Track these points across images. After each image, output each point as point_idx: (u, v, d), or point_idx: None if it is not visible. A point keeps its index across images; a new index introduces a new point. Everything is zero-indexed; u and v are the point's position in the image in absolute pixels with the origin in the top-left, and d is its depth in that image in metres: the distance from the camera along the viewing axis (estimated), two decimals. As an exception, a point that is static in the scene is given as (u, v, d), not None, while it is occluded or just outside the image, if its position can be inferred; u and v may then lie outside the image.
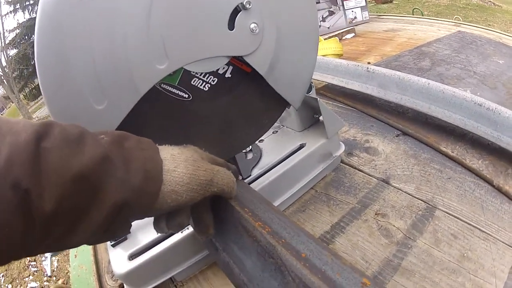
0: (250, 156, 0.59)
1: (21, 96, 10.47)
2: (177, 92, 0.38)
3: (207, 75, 0.40)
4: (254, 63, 0.40)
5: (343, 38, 1.66)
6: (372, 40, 1.61)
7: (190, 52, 0.34)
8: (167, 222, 0.33)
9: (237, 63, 0.41)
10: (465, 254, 0.47)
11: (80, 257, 0.68)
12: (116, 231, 0.30)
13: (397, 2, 9.07)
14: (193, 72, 0.39)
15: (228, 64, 0.41)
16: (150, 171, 0.29)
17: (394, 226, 0.53)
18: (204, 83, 0.40)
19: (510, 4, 9.95)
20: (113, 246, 0.48)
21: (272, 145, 0.58)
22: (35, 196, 0.22)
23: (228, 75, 0.41)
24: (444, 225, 0.52)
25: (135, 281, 0.47)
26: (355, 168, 0.67)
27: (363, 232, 0.53)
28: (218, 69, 0.41)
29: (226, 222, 0.39)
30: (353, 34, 1.69)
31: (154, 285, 0.48)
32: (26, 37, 11.05)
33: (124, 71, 0.31)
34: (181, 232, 0.47)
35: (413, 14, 2.40)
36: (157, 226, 0.35)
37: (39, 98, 11.34)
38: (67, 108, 0.31)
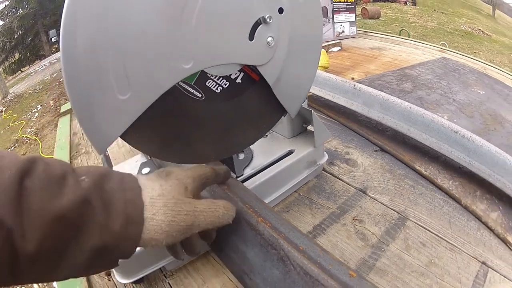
0: (242, 156, 0.66)
1: (0, 69, 10.44)
2: (191, 91, 0.45)
3: (221, 78, 0.47)
4: (265, 73, 0.48)
5: (329, 50, 1.81)
6: (357, 56, 1.76)
7: (214, 56, 0.41)
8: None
9: (248, 70, 0.49)
10: (432, 261, 0.57)
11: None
12: (101, 269, 0.34)
13: (384, 19, 9.64)
14: (209, 74, 0.46)
15: (240, 70, 0.48)
16: (131, 216, 0.32)
17: (369, 231, 0.62)
18: (217, 85, 0.47)
19: (500, 34, 10.85)
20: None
21: (263, 148, 0.67)
22: (18, 235, 0.25)
23: (238, 80, 0.48)
24: (414, 234, 0.62)
25: (125, 270, 0.52)
26: (336, 176, 0.78)
27: (342, 234, 0.62)
28: (231, 74, 0.48)
29: None
30: (339, 48, 1.84)
31: (144, 274, 0.53)
32: (14, 10, 11.17)
33: (152, 66, 0.36)
34: None
35: (399, 35, 2.63)
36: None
37: (17, 74, 11.26)
38: (89, 95, 0.35)
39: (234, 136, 0.52)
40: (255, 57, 0.45)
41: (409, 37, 2.32)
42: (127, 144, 1.01)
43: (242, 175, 0.62)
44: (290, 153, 0.68)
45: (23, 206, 0.26)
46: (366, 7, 9.68)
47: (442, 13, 11.90)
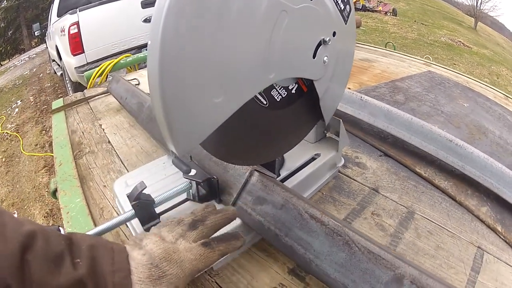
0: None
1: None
2: (260, 98, 0.57)
3: (282, 88, 0.60)
4: (318, 87, 0.62)
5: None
6: (350, 67, 1.96)
7: (289, 69, 0.53)
8: None
9: (301, 82, 0.62)
10: (439, 245, 0.74)
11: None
12: None
13: (364, 28, 10.08)
14: (275, 84, 0.58)
15: (296, 82, 0.62)
16: None
17: (386, 223, 0.79)
18: (278, 94, 0.59)
19: (481, 47, 11.50)
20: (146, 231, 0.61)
21: (292, 152, 0.77)
22: None
23: (293, 91, 0.62)
24: (422, 224, 0.79)
25: None
26: (351, 178, 0.94)
27: (365, 226, 0.78)
28: (289, 85, 0.61)
29: (287, 212, 0.61)
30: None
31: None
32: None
33: (245, 74, 0.45)
34: None
35: (385, 47, 2.87)
36: None
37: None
38: (187, 96, 0.40)
39: (282, 141, 0.67)
40: (314, 73, 0.60)
41: (394, 50, 2.55)
42: (137, 144, 1.14)
43: (279, 175, 0.77)
44: (316, 156, 0.83)
45: (25, 275, 0.32)
46: (346, 16, 10.07)
47: (423, 24, 12.54)
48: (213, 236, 0.54)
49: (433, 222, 0.81)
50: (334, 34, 0.61)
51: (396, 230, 0.77)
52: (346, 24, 0.64)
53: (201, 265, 0.48)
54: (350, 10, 0.64)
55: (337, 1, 0.60)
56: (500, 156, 1.11)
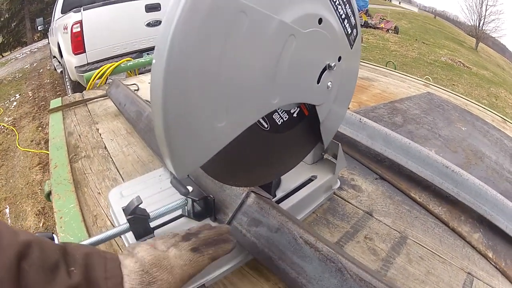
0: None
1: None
2: (261, 122, 0.57)
3: (284, 112, 0.60)
4: (320, 112, 0.63)
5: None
6: (350, 86, 1.98)
7: (294, 95, 0.54)
8: None
9: (302, 106, 0.63)
10: (429, 271, 0.74)
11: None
12: None
13: (365, 45, 10.17)
14: (278, 108, 0.57)
15: (298, 106, 0.62)
16: None
17: (379, 247, 0.79)
18: (280, 118, 0.60)
19: (481, 68, 11.62)
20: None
21: (289, 173, 0.77)
22: None
23: (295, 115, 0.62)
24: (414, 250, 0.80)
25: None
26: (345, 200, 0.95)
27: (357, 250, 0.78)
28: (291, 109, 0.61)
29: (282, 236, 0.62)
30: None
31: (186, 291, 0.61)
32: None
33: (249, 98, 0.46)
34: None
35: (386, 66, 2.90)
36: None
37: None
38: (190, 120, 0.40)
39: (281, 163, 0.68)
40: (317, 98, 0.60)
41: (395, 69, 2.58)
42: (133, 153, 1.14)
43: (275, 196, 0.77)
44: (312, 178, 0.84)
45: (21, 284, 0.33)
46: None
47: (424, 43, 12.68)
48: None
49: (425, 247, 0.81)
50: (339, 59, 0.61)
51: (388, 254, 0.78)
52: (351, 48, 0.64)
53: (191, 270, 0.49)
54: (357, 34, 0.65)
55: (345, 26, 0.60)
56: (495, 182, 1.13)
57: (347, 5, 0.58)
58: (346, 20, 0.59)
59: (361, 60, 2.55)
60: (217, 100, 0.43)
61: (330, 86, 0.61)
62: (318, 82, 0.58)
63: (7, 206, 2.98)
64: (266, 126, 0.58)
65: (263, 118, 0.57)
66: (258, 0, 0.41)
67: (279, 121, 0.60)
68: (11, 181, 3.42)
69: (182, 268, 0.47)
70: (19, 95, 6.11)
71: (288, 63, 0.49)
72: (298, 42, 0.49)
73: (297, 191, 0.80)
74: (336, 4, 0.55)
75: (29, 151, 3.87)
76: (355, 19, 0.62)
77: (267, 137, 0.60)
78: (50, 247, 0.38)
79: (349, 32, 0.62)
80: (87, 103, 1.65)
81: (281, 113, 0.60)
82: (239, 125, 0.47)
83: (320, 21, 0.52)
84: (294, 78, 0.52)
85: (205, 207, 0.69)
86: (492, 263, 0.81)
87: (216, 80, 0.41)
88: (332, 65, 0.58)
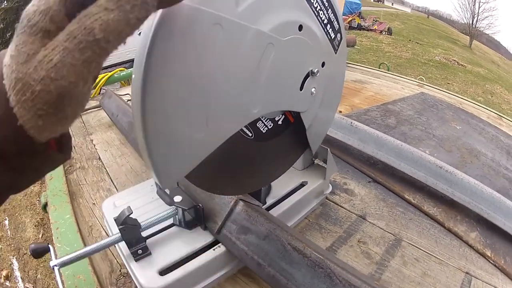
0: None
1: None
2: (245, 130, 0.57)
3: (268, 120, 0.60)
4: (304, 119, 0.62)
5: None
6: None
7: (276, 103, 0.54)
8: None
9: (287, 113, 0.63)
10: (426, 272, 0.74)
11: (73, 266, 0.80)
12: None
13: (359, 47, 10.22)
14: (261, 116, 0.57)
15: (282, 113, 0.62)
16: None
17: (372, 250, 0.79)
18: (264, 126, 0.60)
19: (476, 65, 11.67)
20: (136, 260, 0.62)
21: (279, 179, 0.77)
22: None
23: (280, 122, 0.62)
24: (409, 252, 0.79)
25: None
26: (338, 204, 0.94)
27: (350, 254, 0.78)
28: (275, 117, 0.61)
29: (270, 243, 0.61)
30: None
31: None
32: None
33: (228, 110, 0.45)
34: (213, 250, 0.65)
35: (379, 68, 2.91)
36: None
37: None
38: (168, 132, 0.40)
39: (268, 171, 0.68)
40: (301, 105, 0.60)
41: (388, 70, 2.58)
42: (127, 163, 1.14)
43: (266, 203, 0.77)
44: (303, 184, 0.84)
45: None
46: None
47: (417, 43, 12.75)
48: None
49: (420, 249, 0.81)
50: (323, 64, 0.61)
51: (382, 257, 0.78)
52: (336, 53, 0.64)
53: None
54: (341, 39, 0.64)
55: (327, 31, 0.59)
56: (491, 179, 1.13)
57: (329, 10, 0.58)
58: (328, 25, 0.59)
59: (354, 63, 2.55)
60: (195, 112, 0.43)
61: (314, 92, 0.61)
62: (301, 89, 0.58)
63: (6, 217, 2.97)
64: (250, 134, 0.58)
65: (246, 127, 0.57)
66: (233, 11, 0.41)
67: (263, 129, 0.60)
68: (9, 193, 3.41)
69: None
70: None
71: (267, 72, 0.49)
72: (277, 50, 0.49)
73: (288, 197, 0.80)
74: (318, 9, 0.55)
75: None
76: (338, 24, 0.61)
77: (252, 145, 0.59)
78: None
79: (332, 37, 0.61)
80: (81, 114, 1.64)
81: (265, 121, 0.60)
82: (219, 136, 0.47)
83: (300, 28, 0.52)
84: (275, 86, 0.52)
85: (196, 216, 0.68)
86: (491, 261, 0.81)
87: (193, 92, 0.41)
88: (315, 71, 0.58)
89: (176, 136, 0.42)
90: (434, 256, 0.79)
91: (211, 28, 0.40)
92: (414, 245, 0.82)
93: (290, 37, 0.51)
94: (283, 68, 0.52)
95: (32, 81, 0.25)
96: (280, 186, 0.82)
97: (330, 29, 0.60)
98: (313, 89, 0.60)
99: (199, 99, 0.42)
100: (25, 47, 0.25)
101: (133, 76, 0.38)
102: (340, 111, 1.61)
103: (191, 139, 0.43)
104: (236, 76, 0.45)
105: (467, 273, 0.76)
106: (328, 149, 0.80)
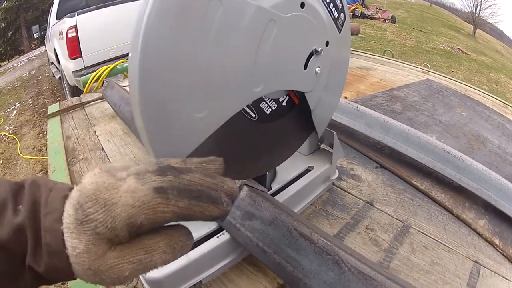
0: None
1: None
2: (248, 111, 0.55)
3: (272, 100, 0.58)
4: (310, 99, 0.60)
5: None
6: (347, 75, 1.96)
7: (278, 81, 0.52)
8: None
9: (292, 94, 0.60)
10: (434, 261, 0.72)
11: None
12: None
13: (363, 35, 10.14)
14: (264, 96, 0.56)
15: (286, 94, 0.60)
16: (50, 245, 0.30)
17: (381, 238, 0.77)
18: (268, 107, 0.58)
19: (480, 54, 11.55)
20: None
21: (284, 164, 0.75)
22: None
23: (284, 103, 0.60)
24: (417, 239, 0.77)
25: (167, 286, 0.58)
26: (345, 190, 0.92)
27: (358, 241, 0.76)
28: (279, 97, 0.59)
29: (276, 229, 0.59)
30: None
31: (183, 289, 0.60)
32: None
33: (231, 89, 0.45)
34: (217, 237, 0.63)
35: (384, 55, 2.87)
36: None
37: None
38: (168, 112, 0.39)
39: (273, 154, 0.65)
40: (306, 85, 0.58)
41: (393, 57, 2.54)
42: (130, 153, 1.12)
43: (271, 189, 0.75)
44: (309, 169, 0.81)
45: None
46: (345, 23, 10.17)
47: (421, 31, 12.61)
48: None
49: (429, 236, 0.79)
50: (327, 43, 0.59)
51: (391, 245, 0.75)
52: (340, 33, 0.62)
53: (140, 217, 0.30)
54: (344, 19, 0.62)
55: (330, 10, 0.58)
56: (498, 166, 1.10)
57: (332, -12, 0.56)
58: (331, 3, 0.57)
59: (359, 50, 2.52)
60: (195, 90, 0.41)
61: (319, 71, 0.59)
62: (305, 68, 0.56)
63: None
64: (253, 115, 0.56)
65: (249, 108, 0.55)
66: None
67: (267, 110, 0.58)
68: (13, 189, 3.42)
69: (126, 209, 0.30)
70: (18, 103, 6.12)
71: (269, 49, 0.47)
72: (279, 28, 0.47)
73: (293, 183, 0.77)
74: (320, -13, 0.53)
75: (31, 158, 3.86)
76: (341, 3, 0.60)
77: (256, 127, 0.58)
78: (1, 185, 0.33)
79: (335, 16, 0.60)
80: (84, 106, 1.64)
81: (269, 101, 0.58)
82: (220, 116, 0.46)
83: (302, 5, 0.51)
84: (278, 65, 0.50)
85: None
86: (499, 250, 0.78)
87: (192, 70, 0.40)
88: (319, 50, 0.56)
89: (175, 114, 0.40)
90: (443, 244, 0.77)
91: (209, 3, 0.38)
92: (422, 232, 0.80)
93: (292, 14, 0.50)
94: (286, 45, 0.50)
95: (103, 276, 0.30)
96: (285, 171, 0.80)
97: (333, 8, 0.59)
98: (317, 69, 0.58)
99: (199, 76, 0.41)
100: (94, 247, 0.30)
101: (130, 54, 0.37)
102: (346, 97, 1.59)
103: (191, 117, 0.42)
104: (237, 53, 0.44)
105: (476, 261, 0.74)
106: (335, 132, 0.78)
